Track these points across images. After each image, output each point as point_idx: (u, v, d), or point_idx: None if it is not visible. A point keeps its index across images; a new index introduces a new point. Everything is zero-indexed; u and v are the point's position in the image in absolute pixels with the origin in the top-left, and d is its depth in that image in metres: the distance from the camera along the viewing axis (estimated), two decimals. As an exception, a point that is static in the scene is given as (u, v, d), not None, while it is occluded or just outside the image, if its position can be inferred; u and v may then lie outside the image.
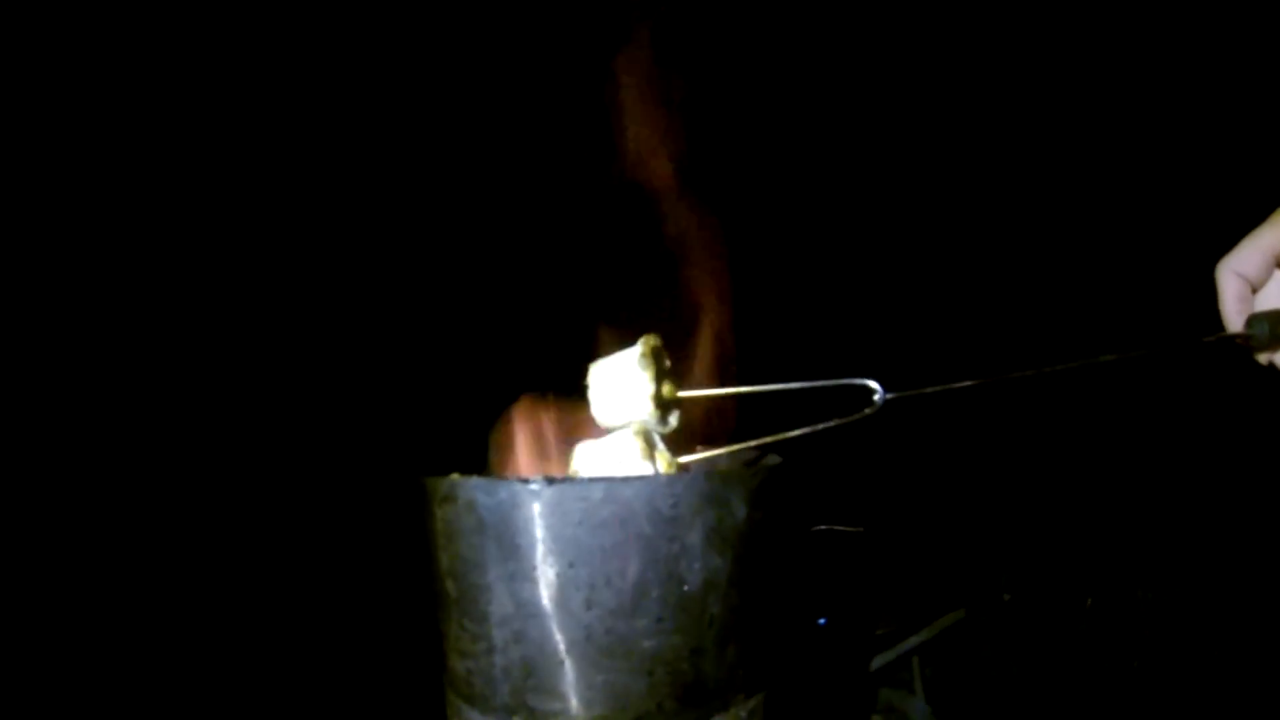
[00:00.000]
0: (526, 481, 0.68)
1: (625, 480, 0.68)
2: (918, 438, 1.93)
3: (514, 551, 0.69)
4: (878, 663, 1.60)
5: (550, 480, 0.67)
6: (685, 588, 0.70)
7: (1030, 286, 2.13)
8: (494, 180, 1.96)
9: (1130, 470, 1.96)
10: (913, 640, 1.63)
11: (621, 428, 0.80)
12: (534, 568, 0.69)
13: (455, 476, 0.71)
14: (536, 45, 1.88)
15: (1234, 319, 0.73)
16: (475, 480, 0.70)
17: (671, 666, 0.72)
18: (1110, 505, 1.90)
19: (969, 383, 0.75)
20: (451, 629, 0.75)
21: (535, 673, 0.72)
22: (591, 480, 0.68)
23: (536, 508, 0.68)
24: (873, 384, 0.76)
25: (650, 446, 0.78)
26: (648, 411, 0.78)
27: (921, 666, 1.64)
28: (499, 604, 0.71)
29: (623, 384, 0.79)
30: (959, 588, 1.72)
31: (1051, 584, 1.69)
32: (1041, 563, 1.76)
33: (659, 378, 0.79)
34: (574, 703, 0.73)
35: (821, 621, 1.53)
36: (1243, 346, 0.74)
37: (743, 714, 0.80)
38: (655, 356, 0.80)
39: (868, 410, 0.76)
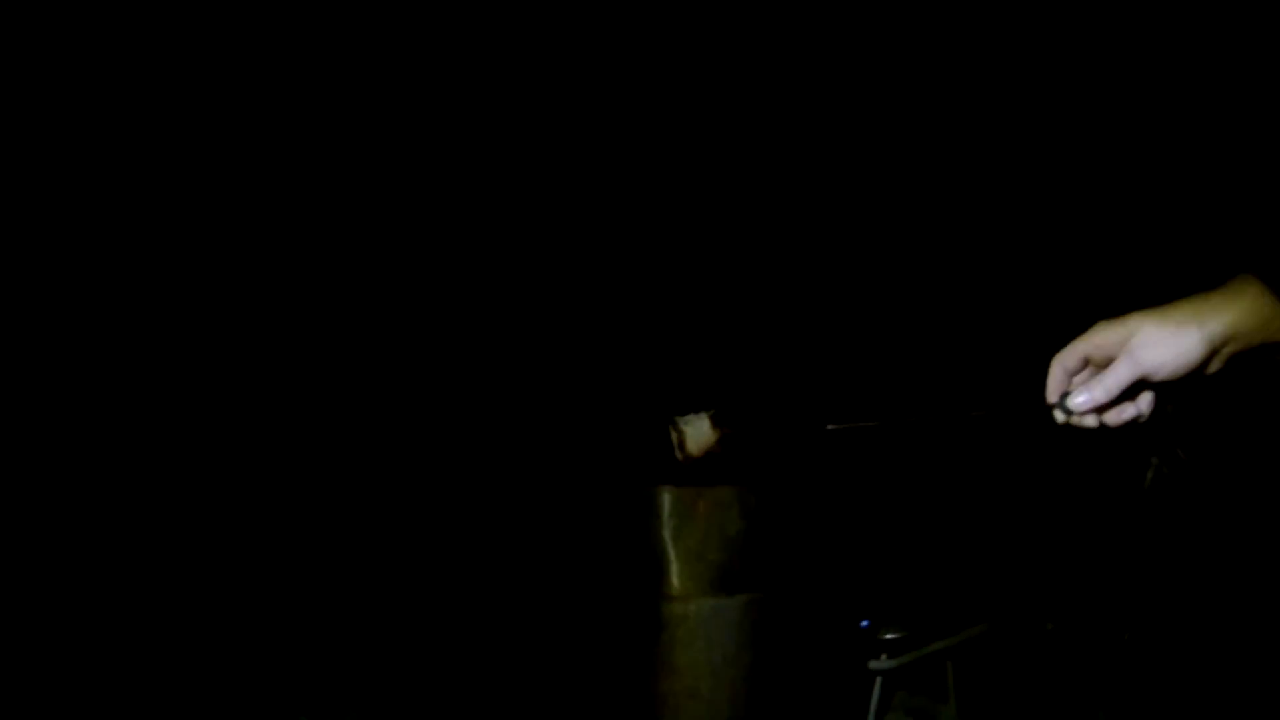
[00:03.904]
0: (685, 486, 1.36)
1: (733, 486, 1.35)
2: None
3: (683, 517, 1.36)
4: (912, 667, 1.74)
5: (698, 485, 1.35)
6: (762, 531, 1.38)
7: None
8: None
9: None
10: (945, 644, 1.74)
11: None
12: (689, 522, 1.37)
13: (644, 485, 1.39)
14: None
15: (1052, 397, 1.04)
16: (655, 487, 1.38)
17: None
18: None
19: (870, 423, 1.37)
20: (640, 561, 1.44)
21: (701, 560, 1.41)
22: (720, 487, 1.36)
23: (688, 498, 1.35)
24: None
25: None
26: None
27: (954, 674, 1.77)
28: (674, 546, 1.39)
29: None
30: (987, 602, 1.88)
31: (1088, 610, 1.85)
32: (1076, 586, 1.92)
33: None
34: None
35: (864, 624, 1.75)
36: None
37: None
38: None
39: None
